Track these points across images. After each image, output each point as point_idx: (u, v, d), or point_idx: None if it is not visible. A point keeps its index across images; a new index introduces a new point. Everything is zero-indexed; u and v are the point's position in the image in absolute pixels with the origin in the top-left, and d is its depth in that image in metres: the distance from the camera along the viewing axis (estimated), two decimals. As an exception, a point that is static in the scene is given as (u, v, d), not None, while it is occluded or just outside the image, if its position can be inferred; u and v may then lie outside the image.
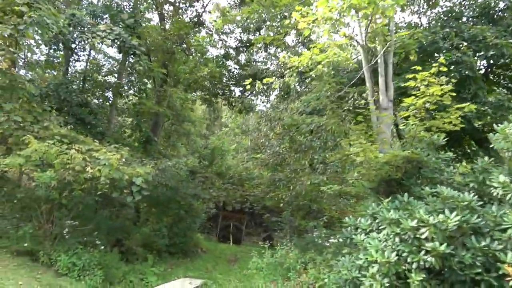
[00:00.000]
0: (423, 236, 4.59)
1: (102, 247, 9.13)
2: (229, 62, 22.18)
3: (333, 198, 11.84)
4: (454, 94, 6.99)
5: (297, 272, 7.80)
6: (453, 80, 7.26)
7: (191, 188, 14.07)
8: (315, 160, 10.42)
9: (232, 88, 23.15)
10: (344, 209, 12.55)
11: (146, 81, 17.56)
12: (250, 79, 9.54)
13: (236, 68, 22.49)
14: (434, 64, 7.12)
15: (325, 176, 9.57)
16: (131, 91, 17.69)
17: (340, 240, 9.62)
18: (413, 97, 7.07)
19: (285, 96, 15.64)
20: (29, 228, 8.48)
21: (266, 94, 21.94)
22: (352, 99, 9.64)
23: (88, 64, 16.91)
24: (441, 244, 4.32)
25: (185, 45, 17.95)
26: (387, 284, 4.80)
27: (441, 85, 6.79)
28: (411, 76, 7.18)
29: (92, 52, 17.09)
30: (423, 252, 4.50)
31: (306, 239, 11.40)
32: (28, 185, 9.61)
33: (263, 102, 24.48)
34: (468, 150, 11.52)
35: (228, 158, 26.77)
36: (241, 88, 22.30)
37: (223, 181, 21.49)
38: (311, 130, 10.57)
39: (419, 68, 7.30)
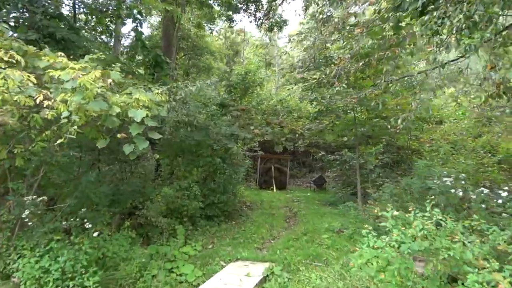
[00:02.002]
0: None
1: (96, 233, 5.37)
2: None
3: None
4: None
5: (472, 266, 3.86)
6: None
7: (225, 126, 9.96)
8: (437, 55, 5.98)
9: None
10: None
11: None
12: None
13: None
14: None
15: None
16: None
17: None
18: None
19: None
20: (-41, 216, 4.78)
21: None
22: None
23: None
24: None
25: None
26: None
27: None
28: None
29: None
30: None
31: (406, 184, 7.40)
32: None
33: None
34: None
35: (259, 90, 22.35)
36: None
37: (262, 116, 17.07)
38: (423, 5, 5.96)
39: None
